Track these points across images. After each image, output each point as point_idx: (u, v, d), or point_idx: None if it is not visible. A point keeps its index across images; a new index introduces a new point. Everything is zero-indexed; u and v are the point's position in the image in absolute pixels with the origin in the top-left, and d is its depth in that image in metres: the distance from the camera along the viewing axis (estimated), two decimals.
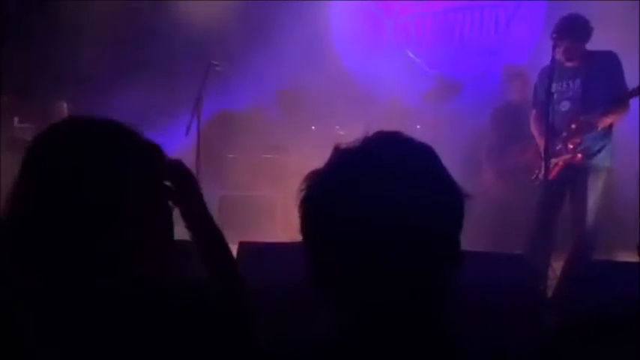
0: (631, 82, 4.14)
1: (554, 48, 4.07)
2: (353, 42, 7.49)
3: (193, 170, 4.93)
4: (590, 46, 4.21)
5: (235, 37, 6.85)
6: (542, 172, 4.11)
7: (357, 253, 0.89)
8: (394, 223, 0.89)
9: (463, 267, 0.95)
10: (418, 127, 6.50)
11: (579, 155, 4.10)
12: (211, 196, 6.32)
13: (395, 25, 7.51)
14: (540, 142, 4.23)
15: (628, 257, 4.68)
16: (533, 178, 4.29)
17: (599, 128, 4.09)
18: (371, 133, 0.97)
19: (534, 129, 4.36)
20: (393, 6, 7.48)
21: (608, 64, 4.10)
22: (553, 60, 4.05)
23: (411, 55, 6.74)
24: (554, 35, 4.08)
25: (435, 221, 0.91)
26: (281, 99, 6.90)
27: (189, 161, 3.48)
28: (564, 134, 4.14)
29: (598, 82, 4.08)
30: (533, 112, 4.41)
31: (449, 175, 0.95)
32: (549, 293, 3.88)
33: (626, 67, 4.19)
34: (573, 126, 4.09)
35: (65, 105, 6.30)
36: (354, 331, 0.93)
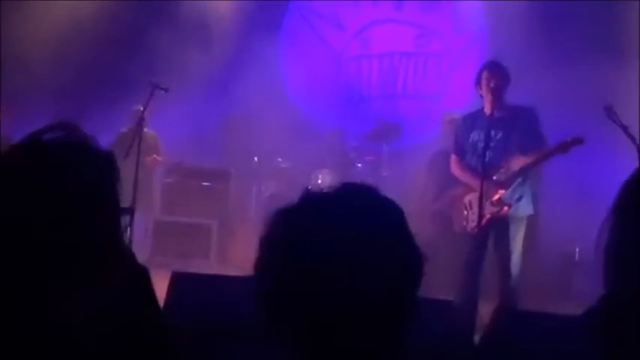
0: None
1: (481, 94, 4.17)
2: (301, 76, 7.56)
3: (130, 194, 4.73)
4: None
5: (185, 60, 6.84)
6: (470, 224, 4.16)
7: (310, 296, 0.91)
8: (350, 273, 0.90)
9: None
10: (359, 165, 6.59)
11: (505, 208, 4.13)
12: (147, 221, 6.23)
13: (342, 64, 7.64)
14: (460, 190, 4.32)
15: (556, 308, 4.82)
16: (460, 230, 4.30)
17: (519, 175, 4.11)
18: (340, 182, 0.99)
19: (457, 175, 4.40)
20: (341, 43, 7.62)
21: (529, 118, 4.18)
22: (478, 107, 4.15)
23: (356, 94, 6.87)
24: (480, 80, 4.18)
25: (391, 276, 0.93)
26: (225, 127, 6.89)
27: (126, 184, 3.39)
28: (487, 186, 4.10)
29: (519, 135, 4.13)
30: (453, 156, 4.46)
31: (410, 234, 0.97)
32: (476, 341, 3.93)
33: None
34: (495, 177, 4.12)
35: None
36: None
